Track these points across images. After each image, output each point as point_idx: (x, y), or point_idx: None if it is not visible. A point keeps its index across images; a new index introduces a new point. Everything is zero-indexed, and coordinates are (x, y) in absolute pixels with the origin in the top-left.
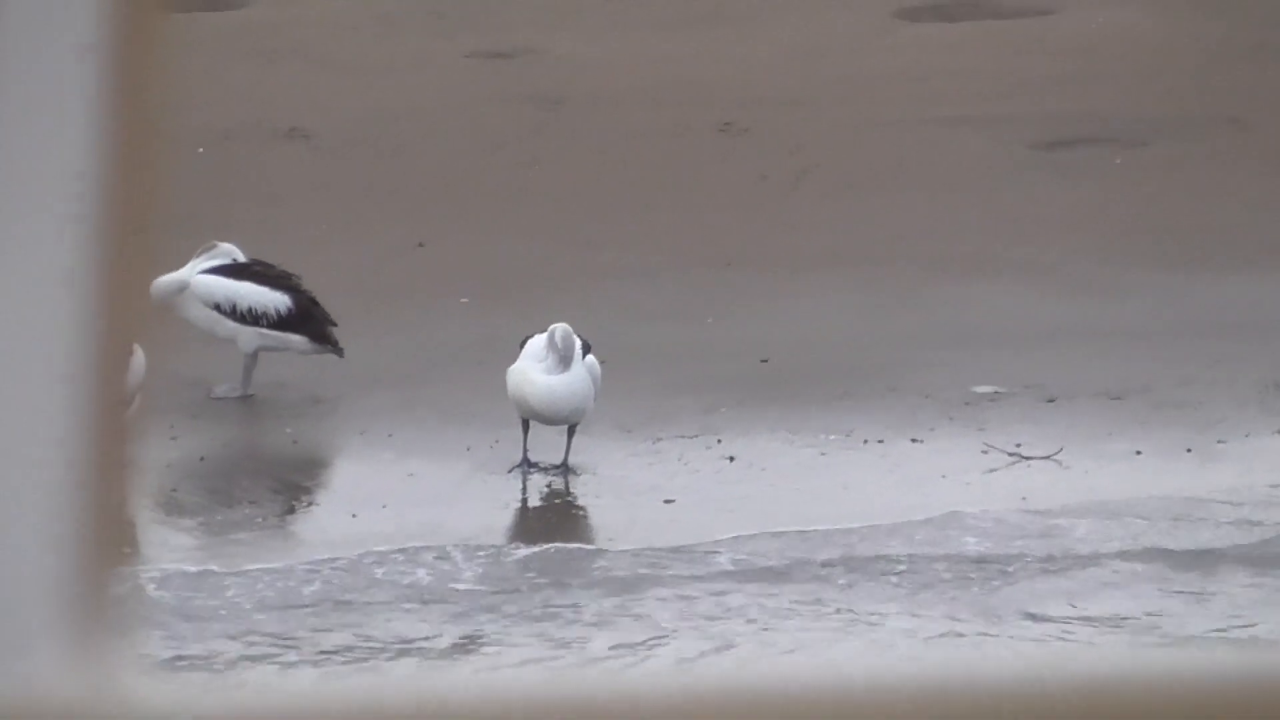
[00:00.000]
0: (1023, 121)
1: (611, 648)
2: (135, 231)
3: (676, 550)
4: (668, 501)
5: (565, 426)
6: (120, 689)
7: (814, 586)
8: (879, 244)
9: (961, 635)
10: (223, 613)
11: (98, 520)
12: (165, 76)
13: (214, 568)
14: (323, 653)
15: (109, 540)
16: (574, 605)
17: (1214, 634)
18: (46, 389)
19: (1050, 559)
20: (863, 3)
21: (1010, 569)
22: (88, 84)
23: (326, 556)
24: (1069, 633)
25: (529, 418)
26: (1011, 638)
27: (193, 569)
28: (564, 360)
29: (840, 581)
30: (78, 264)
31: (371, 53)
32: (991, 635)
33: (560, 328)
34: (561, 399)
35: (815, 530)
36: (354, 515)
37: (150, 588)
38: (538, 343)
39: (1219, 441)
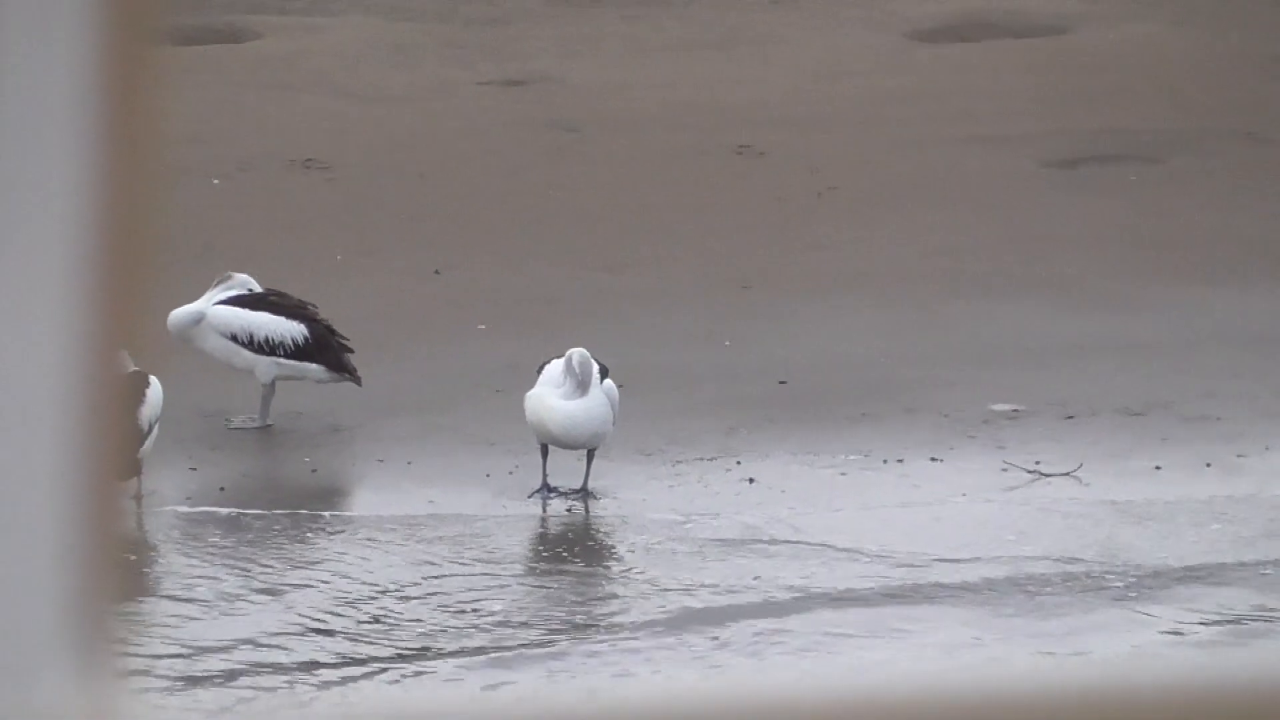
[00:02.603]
0: (1039, 139)
1: (638, 675)
2: (134, 264)
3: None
4: (686, 522)
5: (584, 451)
6: (123, 712)
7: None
8: (896, 264)
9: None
10: (232, 640)
11: (98, 544)
12: (159, 109)
13: (228, 595)
14: (327, 683)
15: (109, 565)
16: (597, 633)
17: None
18: (44, 416)
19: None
20: (878, 24)
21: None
22: (81, 118)
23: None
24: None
25: (548, 443)
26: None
27: (206, 595)
28: (582, 385)
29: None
30: (74, 295)
31: (386, 82)
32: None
33: (577, 352)
34: (580, 424)
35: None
36: (373, 543)
37: (162, 613)
38: (555, 368)
39: (1239, 456)
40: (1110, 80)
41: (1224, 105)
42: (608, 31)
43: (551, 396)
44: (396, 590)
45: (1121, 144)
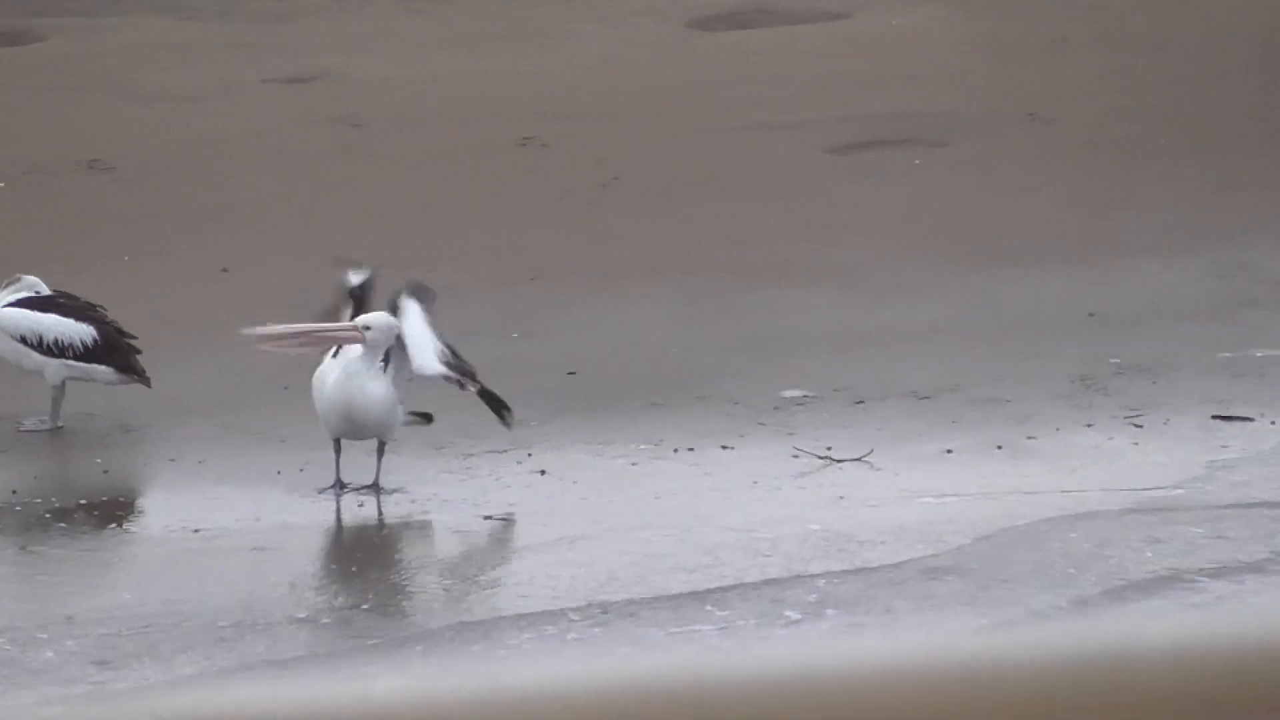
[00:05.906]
0: (823, 125)
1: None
2: None
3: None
4: (487, 518)
5: (375, 446)
6: None
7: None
8: (684, 253)
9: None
10: (34, 653)
11: None
12: None
13: (25, 605)
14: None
15: None
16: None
17: None
18: None
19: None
20: (659, 14)
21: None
22: None
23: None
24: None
25: (335, 433)
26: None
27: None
28: (373, 349)
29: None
30: None
31: (171, 82)
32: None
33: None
34: (357, 393)
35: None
36: (167, 542)
37: None
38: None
39: (1029, 437)
40: (892, 65)
41: (1006, 87)
42: (392, 27)
43: (332, 372)
44: (177, 593)
45: (905, 128)
